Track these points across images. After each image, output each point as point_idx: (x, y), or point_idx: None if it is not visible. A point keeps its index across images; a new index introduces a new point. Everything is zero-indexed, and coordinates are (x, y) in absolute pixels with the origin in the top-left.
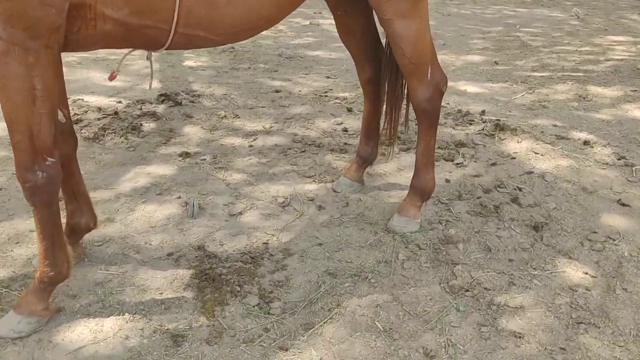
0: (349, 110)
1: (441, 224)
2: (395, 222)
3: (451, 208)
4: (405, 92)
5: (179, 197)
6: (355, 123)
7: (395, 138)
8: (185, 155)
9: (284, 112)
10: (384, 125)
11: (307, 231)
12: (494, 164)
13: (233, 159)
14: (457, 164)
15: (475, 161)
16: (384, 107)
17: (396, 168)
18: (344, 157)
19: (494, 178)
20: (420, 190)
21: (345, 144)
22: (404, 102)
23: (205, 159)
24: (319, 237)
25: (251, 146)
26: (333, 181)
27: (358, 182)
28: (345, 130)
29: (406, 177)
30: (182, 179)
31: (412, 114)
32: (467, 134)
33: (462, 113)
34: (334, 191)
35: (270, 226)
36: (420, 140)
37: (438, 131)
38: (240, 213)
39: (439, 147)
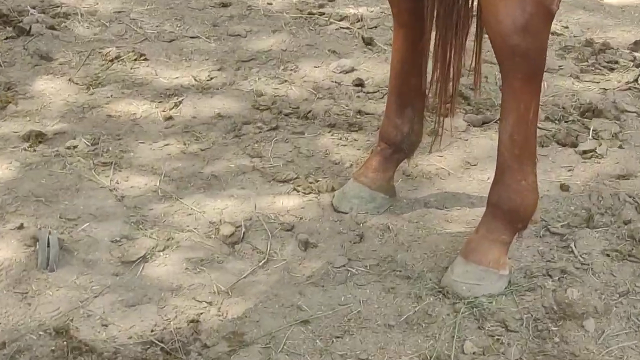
0: (367, 43)
1: (551, 277)
2: (458, 274)
3: (572, 244)
4: (477, 13)
5: (20, 228)
6: (378, 70)
7: (455, 103)
8: (36, 139)
9: (237, 48)
10: (433, 78)
11: (279, 294)
12: None
13: (131, 146)
14: (585, 152)
15: (621, 146)
16: (434, 41)
17: (460, 163)
18: (354, 140)
19: None
20: (509, 211)
21: (360, 112)
22: (475, 32)
23: (74, 147)
24: (304, 306)
25: (169, 119)
26: (334, 191)
27: (383, 191)
28: (359, 84)
29: (482, 183)
30: (28, 189)
31: (489, 56)
32: (604, 90)
33: (593, 47)
34: (336, 211)
35: (204, 285)
36: (507, 110)
37: (543, 88)
38: (144, 259)
39: (544, 121)
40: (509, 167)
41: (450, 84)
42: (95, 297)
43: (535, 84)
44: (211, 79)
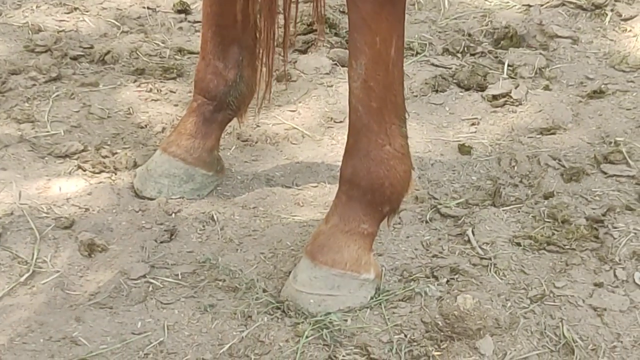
0: None
1: (437, 279)
2: (303, 282)
3: (469, 231)
4: None
5: None
6: None
7: (289, 30)
8: None
9: None
10: None
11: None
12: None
13: None
14: (496, 97)
15: (547, 87)
16: None
17: (320, 120)
18: (171, 92)
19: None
20: (369, 190)
21: (181, 51)
22: None
23: None
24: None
25: None
26: (136, 167)
27: (204, 166)
28: (182, 10)
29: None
30: None
31: None
32: (528, 7)
33: None
34: (138, 196)
35: None
36: (357, 47)
37: (443, 6)
38: None
39: (442, 55)
40: (366, 127)
41: (290, 5)
42: None
43: (395, 5)
44: None
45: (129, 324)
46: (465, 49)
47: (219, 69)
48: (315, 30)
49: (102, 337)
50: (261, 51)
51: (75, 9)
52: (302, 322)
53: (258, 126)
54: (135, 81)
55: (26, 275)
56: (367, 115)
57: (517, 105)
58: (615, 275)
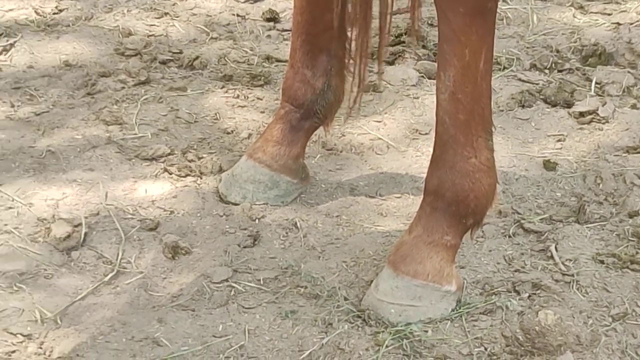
0: None
1: (518, 294)
2: (385, 292)
3: (552, 247)
4: None
5: None
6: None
7: (385, 41)
8: None
9: None
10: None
11: (129, 322)
12: None
13: None
14: (583, 114)
15: (634, 106)
16: None
17: (406, 131)
18: (258, 99)
19: None
20: (453, 202)
21: (269, 59)
22: None
23: None
24: (163, 340)
25: None
26: (222, 172)
27: (289, 173)
28: (271, 18)
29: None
30: None
31: None
32: (617, 25)
33: None
34: (223, 201)
35: (21, 310)
36: (446, 59)
37: (531, 22)
38: None
39: (529, 71)
40: (452, 139)
41: (384, 16)
42: None
43: (486, 17)
44: (59, 11)
45: (210, 326)
46: (553, 65)
47: (307, 77)
48: (403, 42)
49: (183, 338)
50: (351, 61)
51: (166, 14)
52: (383, 332)
53: (343, 135)
54: (222, 87)
55: (110, 275)
56: (454, 128)
57: (603, 123)
58: None
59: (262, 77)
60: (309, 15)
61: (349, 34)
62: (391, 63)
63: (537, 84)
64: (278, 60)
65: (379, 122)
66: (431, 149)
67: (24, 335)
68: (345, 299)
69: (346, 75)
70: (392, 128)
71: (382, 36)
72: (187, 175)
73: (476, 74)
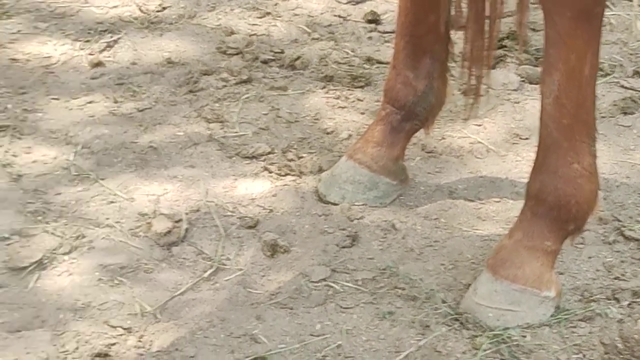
0: None
1: (618, 301)
2: (483, 295)
3: None
4: None
5: None
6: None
7: (493, 45)
8: None
9: None
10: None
11: (227, 319)
12: None
13: (40, 103)
14: None
15: None
16: None
17: (506, 136)
18: (358, 100)
19: None
20: (555, 207)
21: (370, 60)
22: None
23: None
24: (261, 337)
25: (98, 65)
26: (321, 172)
27: (388, 174)
28: (373, 20)
29: (526, 167)
30: None
31: None
32: None
33: None
34: (322, 200)
35: (122, 304)
36: (552, 63)
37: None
38: (40, 265)
39: (631, 77)
40: (556, 144)
41: (493, 20)
42: None
43: (592, 22)
44: (163, 9)
45: (308, 325)
46: None
47: (409, 78)
48: (505, 46)
49: (281, 336)
50: (463, 63)
51: (268, 13)
52: (480, 335)
53: (443, 138)
54: (323, 87)
55: (210, 271)
56: (558, 132)
57: None
58: None
59: (363, 79)
60: (413, 17)
61: (452, 36)
62: (492, 67)
63: (639, 90)
64: (379, 62)
65: (479, 125)
66: (532, 154)
67: (124, 329)
68: (443, 301)
69: (448, 78)
70: (492, 132)
71: (491, 40)
72: (286, 174)
73: (581, 78)
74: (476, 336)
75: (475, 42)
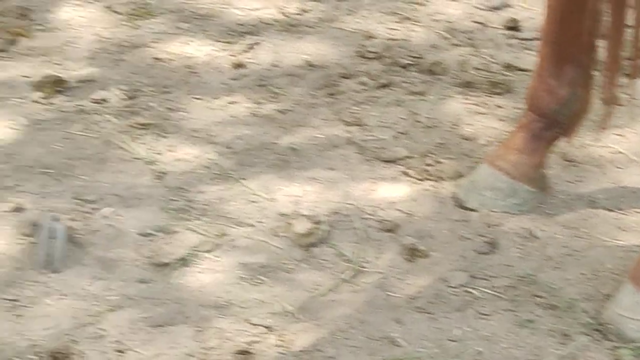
0: None
1: None
2: (626, 307)
3: None
4: None
5: (17, 211)
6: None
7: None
8: (53, 87)
9: None
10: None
11: (367, 321)
12: None
13: (183, 102)
14: None
15: None
16: None
17: None
18: (498, 107)
19: None
20: None
21: (509, 67)
22: None
23: (104, 101)
24: (400, 340)
25: (239, 67)
26: (460, 178)
27: (529, 182)
28: (512, 27)
29: None
30: (33, 156)
31: None
32: None
33: None
34: (460, 206)
35: (263, 302)
36: None
37: None
38: (183, 262)
39: None
40: None
41: (638, 29)
42: (111, 311)
43: None
44: (303, 12)
45: (446, 330)
46: None
47: (553, 86)
48: None
49: (420, 340)
50: (603, 72)
51: (407, 18)
52: (623, 347)
53: (584, 147)
54: (462, 93)
55: (349, 273)
56: None
57: None
58: None
59: (503, 86)
60: (557, 24)
61: (597, 45)
62: (637, 77)
63: None
64: (519, 69)
65: (620, 135)
66: None
67: (264, 327)
68: (584, 311)
69: (592, 87)
70: (634, 142)
71: (637, 49)
72: (425, 179)
73: None
74: (618, 347)
75: (616, 50)
